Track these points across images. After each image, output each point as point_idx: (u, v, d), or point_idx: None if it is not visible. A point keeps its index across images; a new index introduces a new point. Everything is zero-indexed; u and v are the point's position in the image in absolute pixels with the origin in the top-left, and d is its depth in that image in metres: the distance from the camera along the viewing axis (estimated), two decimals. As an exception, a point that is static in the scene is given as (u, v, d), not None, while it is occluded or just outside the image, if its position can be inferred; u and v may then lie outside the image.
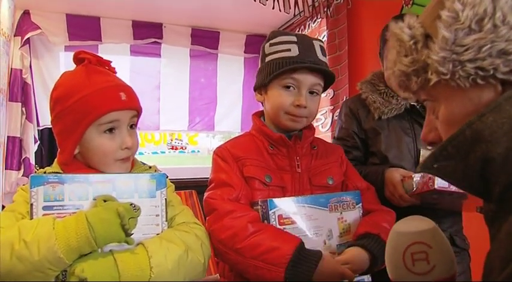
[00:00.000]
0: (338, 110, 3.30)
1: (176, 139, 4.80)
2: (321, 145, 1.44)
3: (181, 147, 4.80)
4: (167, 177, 1.21)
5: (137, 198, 0.99)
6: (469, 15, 0.65)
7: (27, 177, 3.39)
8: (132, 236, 0.93)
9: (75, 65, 1.13)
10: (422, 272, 0.76)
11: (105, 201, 0.94)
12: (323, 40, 3.42)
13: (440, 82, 0.70)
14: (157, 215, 1.00)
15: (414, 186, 1.39)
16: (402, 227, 0.85)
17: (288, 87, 1.32)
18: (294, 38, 1.33)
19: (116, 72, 1.15)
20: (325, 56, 1.36)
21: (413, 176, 1.42)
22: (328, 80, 1.38)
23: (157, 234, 1.00)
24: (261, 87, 1.40)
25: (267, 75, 1.33)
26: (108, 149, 1.06)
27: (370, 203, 1.38)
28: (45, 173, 1.06)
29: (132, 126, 1.12)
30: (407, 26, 0.76)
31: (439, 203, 1.47)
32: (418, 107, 1.62)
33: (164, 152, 4.74)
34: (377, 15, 3.06)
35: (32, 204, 0.92)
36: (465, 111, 0.70)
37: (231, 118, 4.43)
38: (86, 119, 1.02)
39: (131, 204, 0.93)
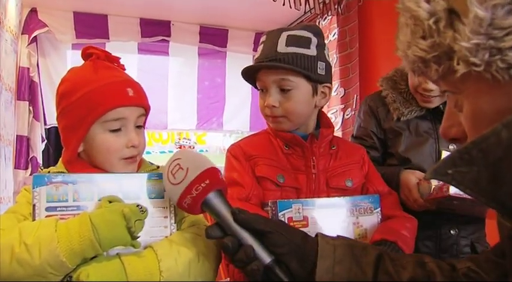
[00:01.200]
0: (349, 109, 3.27)
1: (184, 138, 4.77)
2: (341, 145, 1.36)
3: (190, 147, 4.76)
4: None
5: (144, 199, 0.93)
6: None
7: None
8: (139, 239, 0.89)
9: (82, 63, 1.09)
10: (182, 178, 0.83)
11: (110, 202, 0.89)
12: (334, 37, 3.36)
13: (470, 73, 0.56)
14: (165, 217, 0.95)
15: (431, 190, 1.32)
16: None
17: (261, 90, 1.29)
18: (264, 38, 1.29)
19: (125, 69, 1.11)
20: (296, 45, 1.24)
21: (431, 181, 1.34)
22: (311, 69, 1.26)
23: (166, 236, 0.94)
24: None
25: (251, 81, 1.34)
26: (113, 147, 1.01)
27: (391, 209, 1.30)
28: (49, 172, 1.02)
29: (139, 126, 1.08)
30: None
31: (457, 209, 1.40)
32: (440, 106, 1.54)
33: (172, 152, 4.71)
34: (388, 12, 3.00)
35: (34, 205, 0.87)
36: (497, 107, 0.57)
37: (240, 117, 4.40)
38: (91, 115, 0.98)
39: (138, 206, 0.88)
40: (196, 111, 4.25)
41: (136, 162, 1.07)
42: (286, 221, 1.11)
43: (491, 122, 0.56)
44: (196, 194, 0.83)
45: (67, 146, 1.04)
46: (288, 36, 1.23)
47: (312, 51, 1.25)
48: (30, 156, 3.44)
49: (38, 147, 3.47)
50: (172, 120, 4.16)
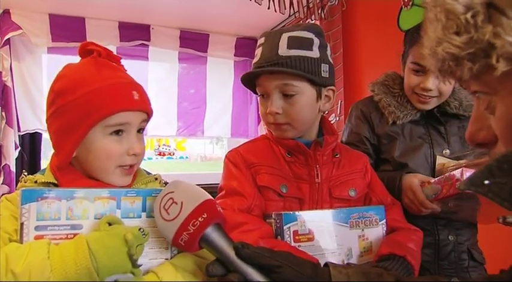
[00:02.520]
0: (333, 115, 3.23)
1: (164, 145, 4.68)
2: (344, 153, 1.31)
3: (169, 153, 4.68)
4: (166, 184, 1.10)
5: (145, 217, 0.86)
6: None
7: (7, 185, 3.29)
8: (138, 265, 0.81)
9: (59, 69, 1.01)
10: (176, 213, 0.78)
11: (110, 224, 0.81)
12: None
13: (510, 71, 0.52)
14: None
15: (436, 190, 1.30)
16: None
17: (262, 95, 1.23)
18: (263, 40, 1.23)
19: (125, 70, 1.04)
20: (299, 47, 1.18)
21: (432, 181, 1.34)
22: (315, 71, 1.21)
23: (166, 259, 0.87)
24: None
25: (252, 87, 1.29)
26: (113, 152, 0.94)
27: (395, 220, 1.26)
28: (36, 182, 0.93)
29: (140, 130, 1.01)
30: None
31: (458, 211, 1.39)
32: (435, 111, 1.53)
33: (151, 158, 4.62)
34: (372, 17, 3.01)
35: (22, 223, 0.78)
36: None
37: (220, 123, 4.33)
38: (92, 117, 0.90)
39: (140, 229, 0.81)
40: (176, 117, 4.16)
41: (132, 174, 1.00)
42: (291, 235, 1.06)
43: None
44: (194, 229, 0.77)
45: (59, 151, 0.95)
46: (289, 37, 1.17)
47: (315, 53, 1.19)
48: (2, 164, 3.30)
49: (11, 155, 3.34)
50: (152, 126, 4.06)
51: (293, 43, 1.17)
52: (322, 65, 1.20)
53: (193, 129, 4.24)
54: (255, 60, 1.22)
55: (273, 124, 1.22)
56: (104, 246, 0.76)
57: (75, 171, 0.97)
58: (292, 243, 1.06)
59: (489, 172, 0.53)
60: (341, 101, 3.17)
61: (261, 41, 1.23)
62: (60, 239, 0.79)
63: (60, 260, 0.74)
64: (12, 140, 3.36)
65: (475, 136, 0.64)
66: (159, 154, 4.58)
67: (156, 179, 1.07)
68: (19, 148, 3.49)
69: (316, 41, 1.21)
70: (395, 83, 1.60)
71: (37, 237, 0.78)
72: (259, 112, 1.28)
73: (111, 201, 0.84)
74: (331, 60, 1.25)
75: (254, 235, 1.07)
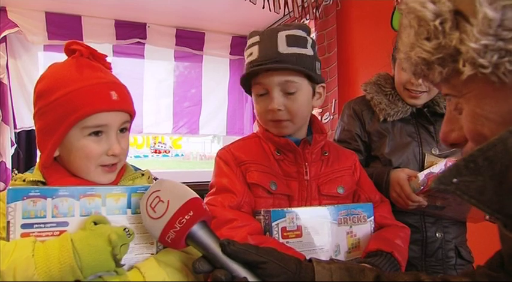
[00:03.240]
0: (327, 113, 3.26)
1: (160, 142, 4.70)
2: (333, 151, 1.33)
3: (165, 151, 4.70)
4: None
5: (130, 214, 0.87)
6: None
7: (4, 182, 3.30)
8: (122, 262, 0.82)
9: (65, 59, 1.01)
10: (163, 211, 0.79)
11: (95, 223, 0.82)
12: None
13: (476, 76, 0.55)
14: None
15: (422, 184, 1.33)
16: None
17: (260, 94, 1.23)
18: (258, 38, 1.23)
19: (111, 69, 1.04)
20: (297, 45, 1.20)
21: (418, 174, 1.37)
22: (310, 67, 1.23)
23: (152, 254, 0.88)
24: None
25: (246, 87, 1.28)
26: (92, 153, 0.94)
27: (384, 217, 1.28)
28: (24, 180, 0.94)
29: (123, 130, 1.00)
30: (431, 0, 0.58)
31: (446, 206, 1.41)
32: (425, 110, 1.56)
33: (147, 156, 4.64)
34: (367, 17, 3.03)
35: (8, 222, 0.79)
36: (501, 110, 0.56)
37: (216, 121, 4.36)
38: (70, 118, 0.91)
39: (124, 229, 0.82)
40: (172, 115, 4.18)
41: (115, 171, 1.00)
42: (279, 231, 1.08)
43: (493, 125, 0.56)
44: (180, 227, 0.78)
45: (42, 150, 0.96)
46: (286, 36, 1.19)
47: (310, 51, 1.22)
48: (-2, 161, 3.31)
49: (7, 152, 3.35)
50: (148, 123, 4.09)
51: (291, 41, 1.19)
52: (316, 62, 1.24)
53: (188, 127, 4.26)
54: (251, 58, 1.22)
55: (273, 121, 1.23)
56: (88, 245, 0.78)
57: (61, 170, 0.97)
58: (281, 240, 1.08)
59: (457, 171, 0.56)
60: (335, 100, 3.20)
61: (254, 39, 1.24)
62: (47, 236, 0.81)
63: (44, 257, 0.75)
64: (8, 137, 3.37)
65: (448, 136, 0.67)
66: (155, 152, 4.60)
67: (143, 174, 1.07)
68: (15, 145, 3.50)
69: (309, 39, 1.24)
70: (387, 82, 1.65)
71: (23, 235, 0.80)
72: (255, 111, 1.28)
73: (96, 198, 0.85)
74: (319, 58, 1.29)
75: (243, 231, 1.08)
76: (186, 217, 0.78)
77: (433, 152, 1.53)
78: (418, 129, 1.58)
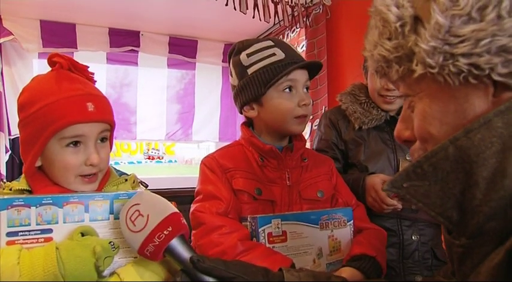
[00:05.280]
0: (317, 120, 3.31)
1: (153, 149, 4.73)
2: (311, 157, 1.38)
3: (158, 157, 4.73)
4: (147, 186, 1.13)
5: (112, 220, 0.90)
6: (470, 0, 0.55)
7: None
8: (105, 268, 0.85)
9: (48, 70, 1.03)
10: (143, 225, 0.81)
11: (83, 235, 0.85)
12: (302, 50, 3.42)
13: (426, 75, 0.61)
14: None
15: None
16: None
17: (289, 90, 1.26)
18: (271, 42, 1.28)
19: (93, 79, 1.06)
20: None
21: None
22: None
23: (135, 257, 0.91)
24: (252, 101, 1.30)
25: (262, 86, 1.24)
26: (70, 164, 0.96)
27: (360, 220, 1.34)
28: (10, 189, 0.97)
29: (104, 139, 1.02)
30: (395, 4, 0.63)
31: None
32: (398, 117, 1.62)
33: (141, 162, 4.67)
34: (356, 25, 3.07)
35: None
36: (446, 110, 0.61)
37: (209, 127, 4.40)
38: (47, 131, 0.93)
39: (110, 242, 0.85)
40: (165, 121, 4.23)
41: (96, 181, 1.02)
42: (266, 237, 1.13)
43: (439, 125, 0.62)
44: (159, 242, 0.80)
45: (25, 160, 0.99)
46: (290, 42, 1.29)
47: None
48: (-7, 168, 3.33)
49: (2, 159, 3.38)
50: (141, 130, 4.12)
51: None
52: None
53: (181, 133, 4.31)
54: (278, 58, 1.24)
55: (302, 117, 1.27)
56: (73, 255, 0.81)
57: (44, 179, 0.99)
58: (267, 245, 1.12)
59: (407, 176, 0.62)
60: (325, 107, 3.24)
61: (267, 43, 1.27)
62: (32, 243, 0.84)
63: (29, 265, 0.78)
64: (2, 143, 3.40)
65: (401, 134, 0.73)
66: (148, 158, 4.63)
67: (126, 180, 1.09)
68: (9, 152, 3.52)
69: None
70: (361, 92, 1.71)
71: (9, 243, 0.83)
72: (284, 107, 1.26)
73: (79, 205, 0.88)
74: None
75: (233, 237, 1.12)
76: (164, 232, 0.80)
77: (407, 157, 1.59)
78: (392, 136, 1.63)
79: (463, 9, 0.55)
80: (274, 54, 1.25)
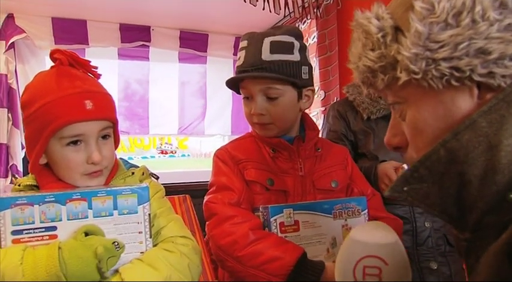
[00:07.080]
0: (329, 112, 3.29)
1: (166, 143, 4.75)
2: (326, 147, 1.38)
3: (171, 152, 4.75)
4: (158, 178, 1.14)
5: (117, 215, 0.90)
6: (445, 8, 0.58)
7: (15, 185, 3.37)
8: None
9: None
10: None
11: (87, 234, 0.85)
12: (313, 41, 3.38)
13: (411, 82, 0.63)
14: (140, 232, 0.91)
15: None
16: (361, 235, 0.80)
17: (247, 97, 1.29)
18: (246, 43, 1.27)
19: (97, 74, 1.04)
20: (281, 52, 1.24)
21: (404, 165, 1.44)
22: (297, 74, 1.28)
23: (142, 252, 0.92)
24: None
25: (232, 87, 1.35)
26: (72, 162, 0.96)
27: (376, 210, 1.34)
28: (19, 185, 0.99)
29: (106, 136, 1.01)
30: (375, 16, 0.67)
31: (422, 209, 1.46)
32: None
33: (154, 157, 4.69)
34: (367, 16, 3.03)
35: None
36: (436, 115, 0.64)
37: (221, 121, 4.40)
38: (47, 130, 0.92)
39: (114, 242, 0.85)
40: (177, 115, 4.23)
41: (102, 176, 1.01)
42: (278, 226, 1.14)
43: (431, 129, 0.64)
44: None
45: (29, 158, 1.00)
46: (271, 42, 1.23)
47: (296, 56, 1.25)
48: (10, 164, 3.36)
49: (18, 155, 3.41)
50: (154, 125, 4.14)
51: (275, 48, 1.22)
52: (302, 67, 1.27)
53: (194, 127, 4.31)
54: (239, 63, 1.28)
55: (258, 124, 1.29)
56: (76, 255, 0.81)
57: (50, 175, 1.00)
58: (279, 234, 1.14)
59: (406, 180, 0.65)
60: (336, 98, 3.22)
61: (243, 44, 1.28)
62: (37, 240, 0.85)
63: (32, 266, 0.79)
64: (18, 140, 3.43)
65: (391, 141, 0.75)
66: (162, 152, 4.65)
67: (133, 173, 1.08)
68: (25, 148, 3.56)
69: (297, 44, 1.27)
70: None
71: (15, 241, 0.84)
72: (244, 112, 1.34)
73: (82, 202, 0.88)
74: (310, 61, 1.32)
75: (244, 227, 1.14)
76: None
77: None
78: None
79: (439, 17, 0.59)
80: (239, 58, 1.28)
